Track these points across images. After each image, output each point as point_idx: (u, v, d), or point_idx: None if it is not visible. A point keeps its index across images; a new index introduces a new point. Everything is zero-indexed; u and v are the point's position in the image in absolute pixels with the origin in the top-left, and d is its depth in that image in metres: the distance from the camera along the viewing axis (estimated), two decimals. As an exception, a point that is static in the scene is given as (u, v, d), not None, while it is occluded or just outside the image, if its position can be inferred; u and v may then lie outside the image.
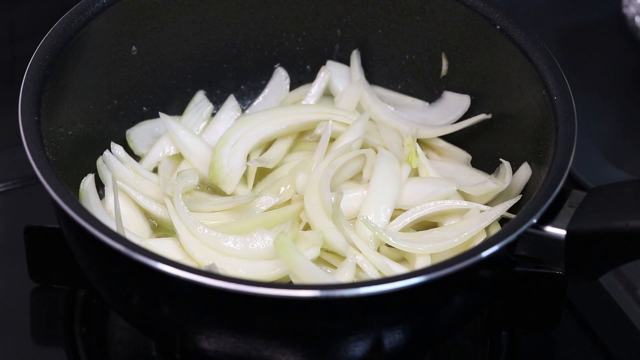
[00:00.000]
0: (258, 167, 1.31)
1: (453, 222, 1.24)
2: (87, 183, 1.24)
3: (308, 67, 1.42)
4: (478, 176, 1.30)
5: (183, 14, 1.35)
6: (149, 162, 1.34)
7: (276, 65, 1.42)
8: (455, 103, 1.36)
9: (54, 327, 1.31)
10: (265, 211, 1.26)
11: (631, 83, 1.64)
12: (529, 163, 1.24)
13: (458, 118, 1.35)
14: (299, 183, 1.26)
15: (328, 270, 1.21)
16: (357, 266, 1.19)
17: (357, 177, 1.31)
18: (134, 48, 1.33)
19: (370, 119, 1.35)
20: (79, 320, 1.31)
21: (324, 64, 1.41)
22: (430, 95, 1.38)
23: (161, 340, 1.26)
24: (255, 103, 1.41)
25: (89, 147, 1.29)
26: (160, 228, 1.27)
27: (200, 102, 1.39)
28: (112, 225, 1.18)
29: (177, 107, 1.39)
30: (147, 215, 1.27)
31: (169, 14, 1.35)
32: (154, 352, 1.29)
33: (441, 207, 1.24)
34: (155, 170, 1.32)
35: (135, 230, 1.24)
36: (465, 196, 1.26)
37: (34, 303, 1.33)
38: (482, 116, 1.32)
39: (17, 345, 1.29)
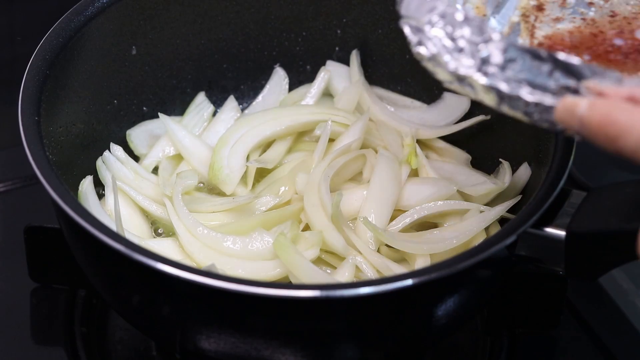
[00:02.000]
0: (257, 168, 1.31)
1: (453, 222, 1.24)
2: (86, 184, 1.24)
3: (308, 67, 1.42)
4: (478, 176, 1.29)
5: (183, 14, 1.35)
6: (148, 162, 1.33)
7: (275, 65, 1.42)
8: (455, 104, 1.36)
9: (54, 327, 1.30)
10: (265, 212, 1.25)
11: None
12: (529, 163, 1.24)
13: (458, 119, 1.35)
14: (299, 183, 1.26)
15: (328, 271, 1.21)
16: (357, 267, 1.19)
17: (357, 177, 1.31)
18: (134, 48, 1.33)
19: (370, 119, 1.35)
20: (79, 320, 1.31)
21: (324, 64, 1.41)
22: (430, 95, 1.38)
23: (161, 340, 1.26)
24: (254, 103, 1.41)
25: (89, 147, 1.29)
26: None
27: (201, 104, 1.39)
28: (112, 225, 1.18)
29: (177, 108, 1.39)
30: (147, 215, 1.27)
31: (169, 14, 1.35)
32: (154, 352, 1.29)
33: (441, 208, 1.24)
34: (155, 171, 1.33)
35: (135, 231, 1.24)
36: (465, 196, 1.26)
37: (34, 303, 1.33)
38: (481, 117, 1.32)
39: (17, 345, 1.29)
